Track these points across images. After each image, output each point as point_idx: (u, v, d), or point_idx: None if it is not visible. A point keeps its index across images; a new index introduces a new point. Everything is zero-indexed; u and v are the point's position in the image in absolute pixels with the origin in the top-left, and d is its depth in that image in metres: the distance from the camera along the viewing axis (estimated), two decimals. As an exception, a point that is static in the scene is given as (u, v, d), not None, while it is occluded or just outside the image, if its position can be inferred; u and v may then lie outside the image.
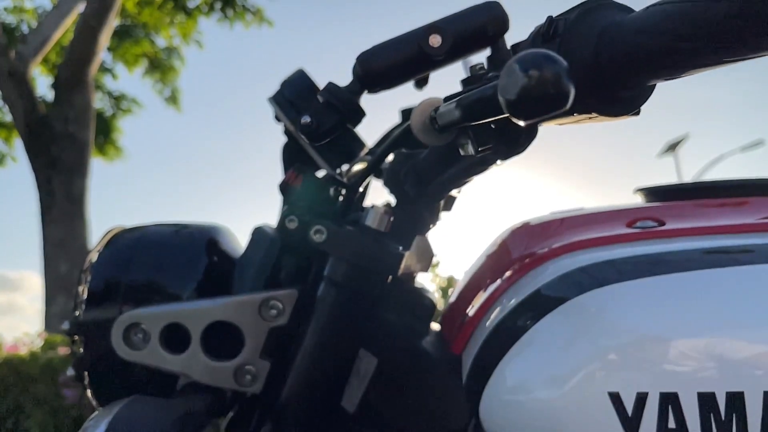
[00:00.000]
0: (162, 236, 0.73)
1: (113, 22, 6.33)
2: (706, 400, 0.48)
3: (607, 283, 0.56)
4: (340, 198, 0.69)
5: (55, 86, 6.16)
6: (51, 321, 5.67)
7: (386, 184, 0.67)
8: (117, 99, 8.94)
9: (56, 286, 5.78)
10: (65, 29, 6.61)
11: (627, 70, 0.41)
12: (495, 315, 0.64)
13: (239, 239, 0.79)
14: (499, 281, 0.67)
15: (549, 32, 0.44)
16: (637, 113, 0.47)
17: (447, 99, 0.55)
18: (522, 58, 0.32)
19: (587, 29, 0.43)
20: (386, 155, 0.65)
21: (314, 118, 0.58)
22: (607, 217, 0.67)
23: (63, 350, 3.88)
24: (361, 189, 0.69)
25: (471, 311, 0.69)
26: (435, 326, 0.79)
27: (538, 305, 0.59)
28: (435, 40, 0.53)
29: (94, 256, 0.71)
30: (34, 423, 3.07)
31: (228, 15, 8.30)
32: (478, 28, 0.54)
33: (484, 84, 0.53)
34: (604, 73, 0.42)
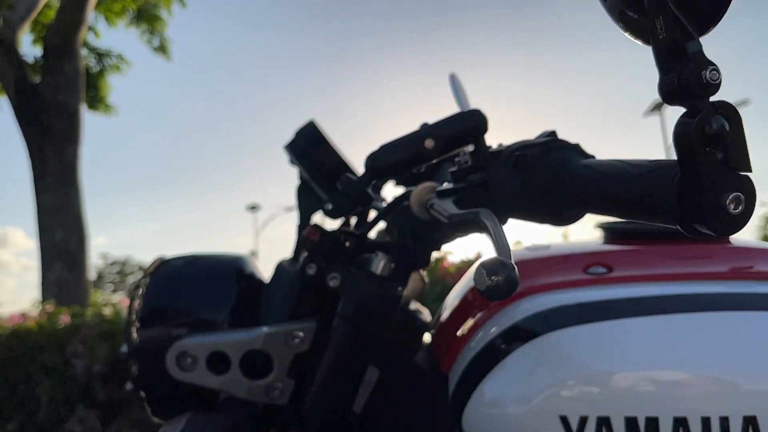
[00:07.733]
0: (201, 267, 0.87)
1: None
2: (630, 423, 0.64)
3: (565, 325, 0.71)
4: (348, 242, 0.84)
5: (44, 54, 6.11)
6: (48, 288, 5.81)
7: (388, 232, 0.82)
8: (101, 55, 8.77)
9: (52, 253, 5.89)
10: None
11: (570, 201, 0.54)
12: (478, 341, 0.79)
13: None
14: (483, 311, 0.82)
15: (516, 164, 0.58)
16: (581, 219, 0.61)
17: (440, 193, 0.69)
18: (487, 264, 0.46)
19: (545, 165, 0.56)
20: (389, 212, 0.80)
21: (334, 205, 0.71)
22: (567, 261, 0.82)
23: (65, 319, 4.03)
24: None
25: (459, 334, 0.84)
26: (427, 338, 0.95)
27: (514, 337, 0.74)
28: (429, 143, 0.67)
29: (143, 285, 0.85)
30: (44, 390, 3.23)
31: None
32: (464, 131, 0.67)
33: (468, 179, 0.67)
34: (554, 199, 0.56)
